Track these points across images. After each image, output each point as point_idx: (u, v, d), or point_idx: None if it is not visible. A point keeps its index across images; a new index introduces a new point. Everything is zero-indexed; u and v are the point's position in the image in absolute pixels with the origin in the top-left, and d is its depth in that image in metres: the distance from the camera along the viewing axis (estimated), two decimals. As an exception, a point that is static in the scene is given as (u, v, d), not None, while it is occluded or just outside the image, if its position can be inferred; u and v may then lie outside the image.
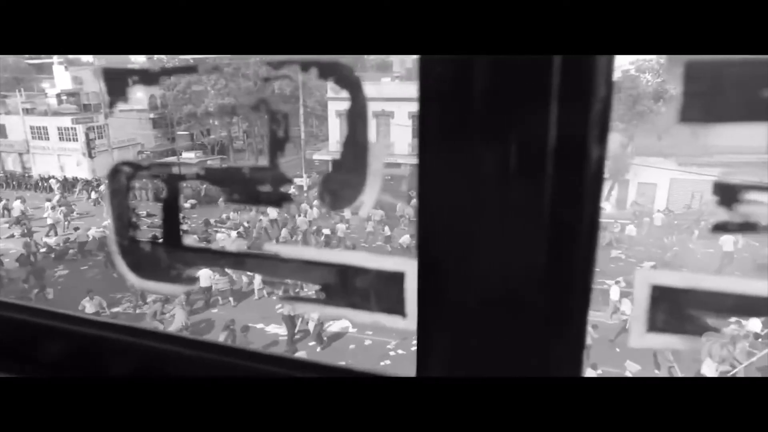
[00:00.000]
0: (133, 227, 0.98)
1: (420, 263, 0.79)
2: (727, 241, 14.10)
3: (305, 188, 21.08)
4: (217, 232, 17.40)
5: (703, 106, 0.68)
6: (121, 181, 0.96)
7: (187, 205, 19.75)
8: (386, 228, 17.03)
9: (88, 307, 11.23)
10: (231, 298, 13.02)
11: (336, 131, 22.80)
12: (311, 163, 23.89)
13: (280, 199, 0.85)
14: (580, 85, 0.71)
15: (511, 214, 0.73)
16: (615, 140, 19.10)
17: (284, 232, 16.98)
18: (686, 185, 18.19)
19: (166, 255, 0.94)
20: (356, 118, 0.77)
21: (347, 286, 0.83)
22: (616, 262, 15.03)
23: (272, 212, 18.02)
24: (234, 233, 17.07)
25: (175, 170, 0.92)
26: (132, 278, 1.00)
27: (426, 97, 0.75)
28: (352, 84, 0.77)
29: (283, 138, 0.81)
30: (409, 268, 0.82)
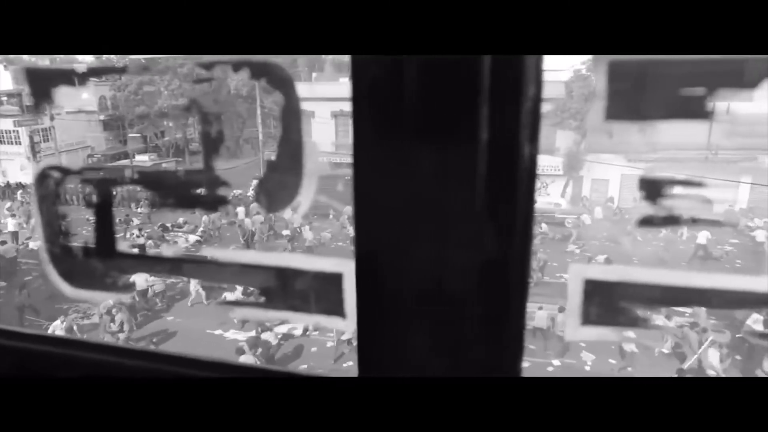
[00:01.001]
0: (63, 234, 0.94)
1: (357, 264, 0.79)
2: (702, 234, 14.73)
3: (265, 190, 20.71)
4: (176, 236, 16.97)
5: (627, 104, 0.70)
6: (49, 186, 0.92)
7: (142, 209, 19.18)
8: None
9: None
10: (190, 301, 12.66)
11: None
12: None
13: (215, 202, 0.83)
14: (511, 85, 0.72)
15: (445, 213, 0.74)
16: (569, 138, 19.67)
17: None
18: (635, 180, 18.81)
19: (100, 262, 0.91)
20: (290, 117, 0.76)
21: (286, 289, 0.82)
22: (572, 256, 15.47)
23: (241, 214, 17.70)
24: (193, 237, 16.68)
25: (111, 174, 0.89)
26: (65, 288, 0.95)
27: (359, 97, 0.74)
28: (284, 83, 0.76)
29: (216, 139, 0.79)
30: (346, 268, 0.82)
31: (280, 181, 0.77)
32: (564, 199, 19.93)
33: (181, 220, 18.36)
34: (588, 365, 10.30)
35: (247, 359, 8.87)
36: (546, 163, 20.64)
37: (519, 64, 0.72)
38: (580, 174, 20.07)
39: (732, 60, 0.68)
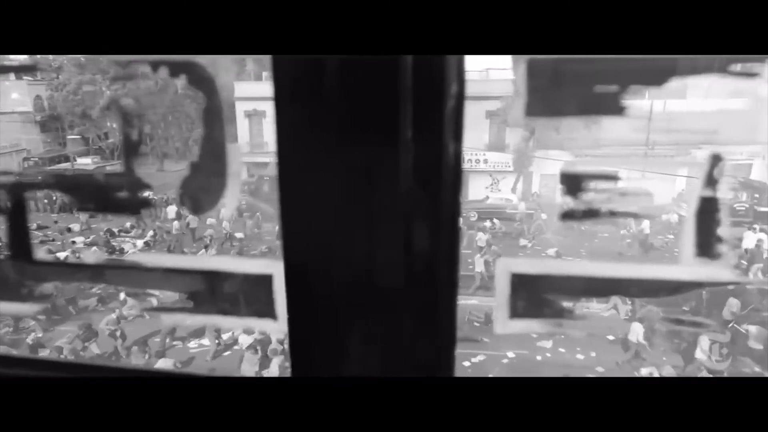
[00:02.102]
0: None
1: (286, 264, 0.78)
2: (647, 226, 15.44)
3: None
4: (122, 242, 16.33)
5: (546, 101, 0.72)
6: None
7: (86, 216, 18.36)
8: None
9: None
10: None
11: (245, 132, 22.20)
12: (221, 165, 22.97)
13: (137, 206, 0.80)
14: (433, 84, 0.72)
15: (371, 212, 0.74)
16: (518, 135, 20.17)
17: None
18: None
19: (15, 271, 0.86)
20: (212, 118, 0.74)
21: (215, 293, 0.80)
22: (524, 250, 15.87)
23: (193, 219, 17.21)
24: (140, 242, 16.12)
25: (23, 178, 0.84)
26: (-20, 300, 0.90)
27: (281, 97, 0.73)
28: (205, 83, 0.74)
29: (137, 141, 0.76)
30: (276, 270, 0.80)
31: (204, 183, 0.75)
32: (515, 194, 20.43)
33: (128, 224, 17.70)
34: (546, 355, 10.60)
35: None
36: (497, 159, 21.10)
37: (441, 64, 0.72)
38: (530, 170, 20.61)
39: (641, 59, 0.71)
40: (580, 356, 10.26)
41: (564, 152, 18.58)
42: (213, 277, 0.80)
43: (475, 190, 20.72)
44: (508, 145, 20.61)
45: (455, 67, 0.73)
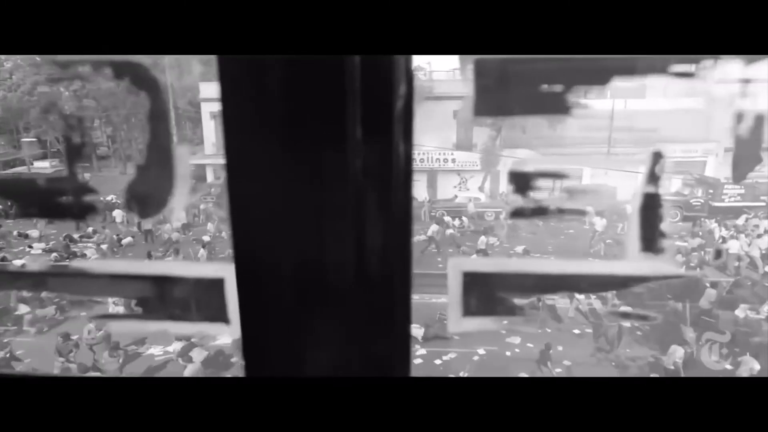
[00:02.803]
0: None
1: (237, 267, 0.77)
2: (599, 221, 15.86)
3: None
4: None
5: (494, 101, 0.73)
6: None
7: (43, 222, 17.73)
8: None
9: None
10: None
11: (211, 134, 21.84)
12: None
13: (82, 211, 0.78)
14: (382, 84, 0.72)
15: (321, 212, 0.73)
16: (485, 134, 20.42)
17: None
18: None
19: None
20: (156, 120, 0.72)
21: (165, 298, 0.78)
22: (492, 248, 16.08)
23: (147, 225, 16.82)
24: (104, 246, 15.69)
25: None
26: None
27: (227, 98, 0.72)
28: (149, 84, 0.72)
29: (80, 144, 0.74)
30: (227, 273, 0.79)
31: (150, 186, 0.73)
32: (483, 193, 20.68)
33: (90, 229, 17.19)
34: (515, 351, 10.76)
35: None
36: (465, 159, 21.32)
37: (389, 64, 0.72)
38: (497, 169, 20.89)
39: (586, 59, 0.72)
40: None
41: (530, 151, 18.93)
42: (162, 282, 0.79)
43: (443, 189, 20.91)
44: (476, 145, 20.85)
45: (403, 67, 0.73)
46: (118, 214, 17.27)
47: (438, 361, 10.65)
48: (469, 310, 0.82)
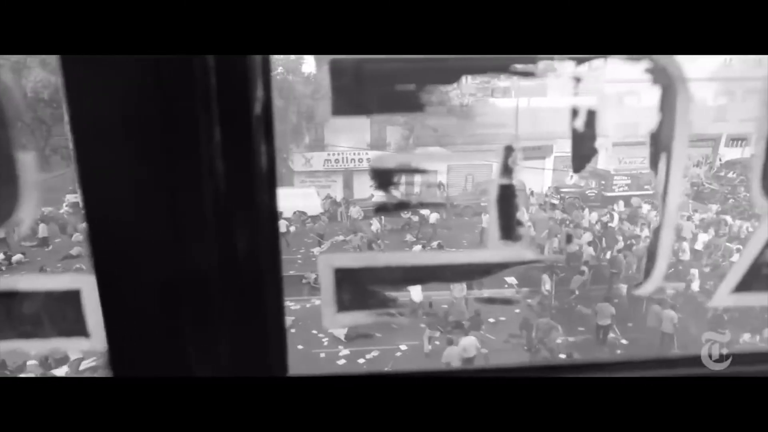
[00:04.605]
0: None
1: (98, 276, 0.73)
2: (485, 218, 16.68)
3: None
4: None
5: (350, 100, 0.75)
6: None
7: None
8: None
9: None
10: None
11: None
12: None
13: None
14: (239, 85, 0.72)
15: (182, 216, 0.71)
16: (397, 133, 20.78)
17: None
18: (461, 170, 20.72)
19: None
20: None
21: (12, 315, 0.73)
22: (409, 244, 16.40)
23: (43, 231, 15.48)
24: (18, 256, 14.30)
25: None
26: None
27: (75, 100, 0.68)
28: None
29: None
30: (84, 284, 0.75)
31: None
32: (399, 192, 21.00)
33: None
34: (435, 344, 11.03)
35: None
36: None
37: (245, 64, 0.72)
38: (411, 167, 21.28)
39: (435, 59, 0.76)
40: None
41: (441, 148, 19.50)
42: (8, 297, 0.73)
43: (360, 189, 21.01)
44: (389, 144, 21.15)
45: (261, 67, 0.73)
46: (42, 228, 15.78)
47: (361, 360, 10.71)
48: (343, 306, 0.83)
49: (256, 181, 0.74)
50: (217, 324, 0.77)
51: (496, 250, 0.85)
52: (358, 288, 0.82)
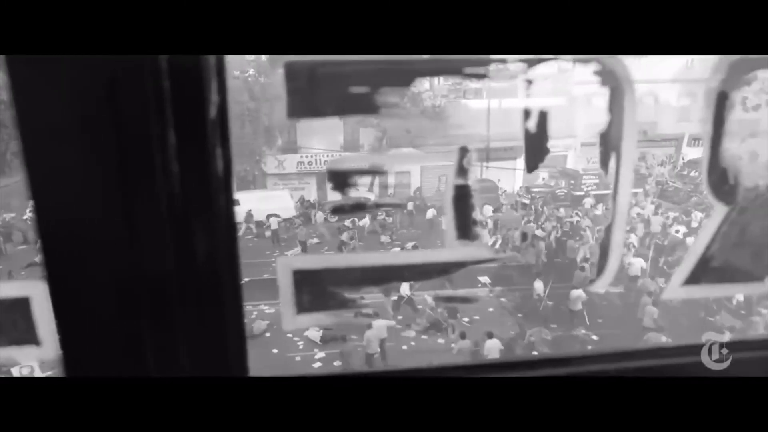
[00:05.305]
0: None
1: (50, 281, 0.72)
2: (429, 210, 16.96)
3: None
4: None
5: (305, 102, 0.75)
6: None
7: None
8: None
9: None
10: None
11: None
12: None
13: None
14: (193, 87, 0.71)
15: (135, 219, 0.71)
16: (371, 135, 20.80)
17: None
18: (434, 171, 20.86)
19: None
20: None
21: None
22: (385, 246, 16.43)
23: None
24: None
25: None
26: None
27: (22, 102, 0.67)
28: None
29: None
30: (33, 291, 0.74)
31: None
32: (372, 192, 21.04)
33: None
34: (410, 344, 11.07)
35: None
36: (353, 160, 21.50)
37: (200, 66, 0.71)
38: (384, 168, 21.36)
39: (391, 60, 0.77)
40: (440, 340, 10.91)
41: (414, 149, 19.60)
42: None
43: (333, 191, 20.91)
44: (363, 145, 21.16)
45: (215, 69, 0.72)
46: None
47: (337, 362, 10.69)
48: (302, 307, 0.84)
49: (213, 184, 0.74)
50: (175, 327, 0.76)
51: (453, 250, 0.86)
52: (317, 289, 0.83)
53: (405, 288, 11.46)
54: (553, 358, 0.95)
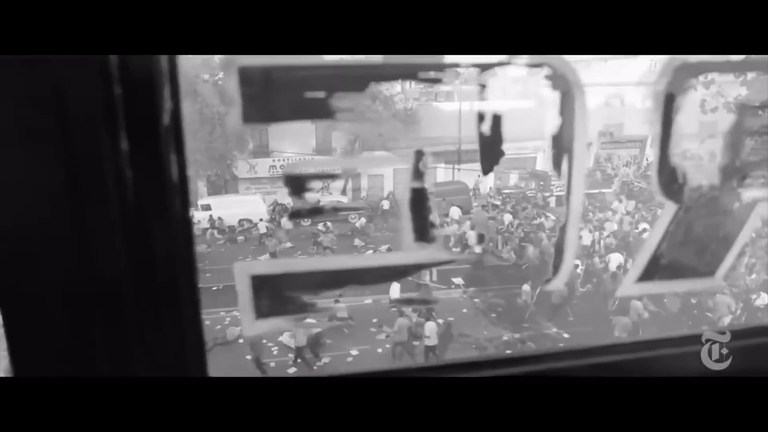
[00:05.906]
0: None
1: None
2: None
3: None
4: None
5: (261, 107, 0.75)
6: None
7: None
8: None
9: None
10: None
11: None
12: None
13: None
14: (145, 92, 0.70)
15: (86, 225, 0.70)
16: (343, 138, 20.80)
17: None
18: (407, 174, 20.96)
19: None
20: None
21: None
22: (358, 249, 16.41)
23: None
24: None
25: None
26: None
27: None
28: None
29: None
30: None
31: None
32: (346, 195, 21.01)
33: None
34: (386, 347, 11.07)
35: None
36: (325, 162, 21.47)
37: (152, 70, 0.71)
38: (357, 171, 21.38)
39: (345, 64, 0.77)
40: (415, 342, 10.94)
41: (387, 152, 19.66)
42: None
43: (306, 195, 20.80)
44: (335, 149, 21.12)
45: (168, 74, 0.72)
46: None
47: (315, 367, 10.64)
48: (261, 312, 0.83)
49: (167, 189, 0.73)
50: (129, 332, 0.75)
51: (411, 252, 0.87)
52: (276, 294, 0.83)
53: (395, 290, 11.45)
54: (532, 355, 0.97)
